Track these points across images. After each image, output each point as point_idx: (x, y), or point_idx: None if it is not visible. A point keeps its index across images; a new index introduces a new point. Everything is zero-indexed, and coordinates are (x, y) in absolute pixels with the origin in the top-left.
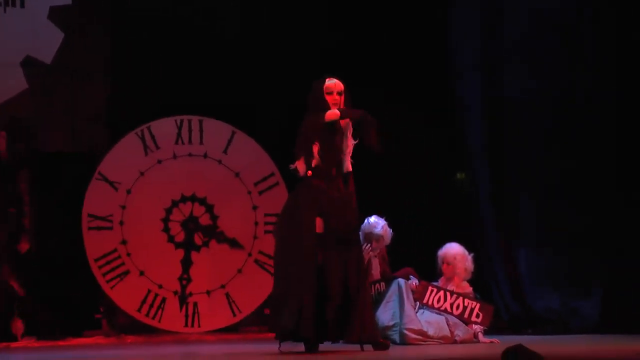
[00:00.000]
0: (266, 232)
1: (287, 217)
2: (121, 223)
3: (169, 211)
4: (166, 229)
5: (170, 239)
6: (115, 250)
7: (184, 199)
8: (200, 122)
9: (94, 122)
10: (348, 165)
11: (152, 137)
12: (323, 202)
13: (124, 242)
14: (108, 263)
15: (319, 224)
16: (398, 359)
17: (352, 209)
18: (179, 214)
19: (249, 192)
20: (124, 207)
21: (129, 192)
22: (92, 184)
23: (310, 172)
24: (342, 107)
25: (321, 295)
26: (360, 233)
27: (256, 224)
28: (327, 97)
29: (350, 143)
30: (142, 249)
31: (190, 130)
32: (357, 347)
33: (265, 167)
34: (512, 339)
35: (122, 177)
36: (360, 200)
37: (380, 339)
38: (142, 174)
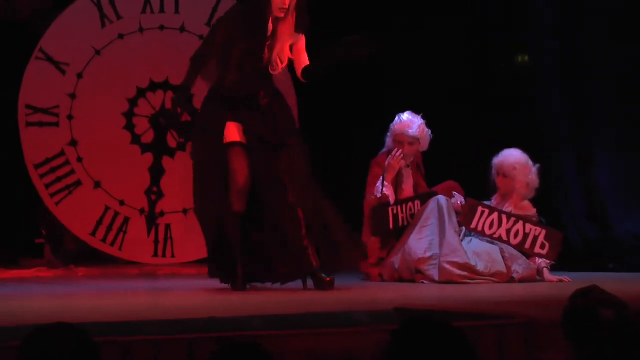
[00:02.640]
0: None
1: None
2: (70, 118)
3: (133, 103)
4: (130, 127)
5: (136, 139)
6: (62, 153)
7: (153, 87)
8: None
9: None
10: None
11: (112, 2)
12: (237, 108)
13: (73, 143)
14: (52, 171)
15: (233, 130)
16: (430, 298)
17: (284, 110)
18: (147, 106)
19: None
20: (73, 97)
21: (80, 76)
22: (30, 65)
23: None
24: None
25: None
26: (387, 135)
27: None
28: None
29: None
30: (97, 153)
31: None
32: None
33: None
34: (587, 276)
35: (72, 57)
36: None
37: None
38: (97, 52)
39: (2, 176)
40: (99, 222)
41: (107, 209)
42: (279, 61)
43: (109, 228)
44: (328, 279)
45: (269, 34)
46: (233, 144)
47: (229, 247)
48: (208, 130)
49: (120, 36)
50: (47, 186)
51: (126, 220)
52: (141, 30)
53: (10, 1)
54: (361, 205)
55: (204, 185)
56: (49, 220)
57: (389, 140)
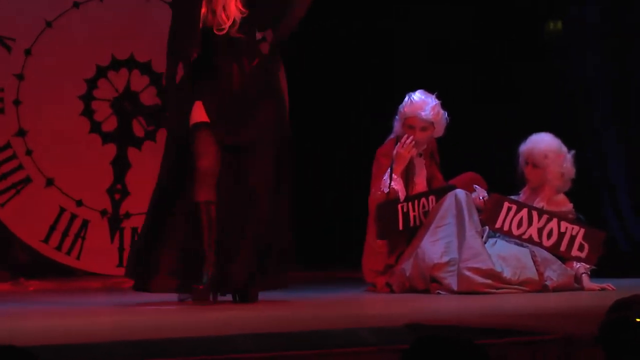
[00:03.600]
0: None
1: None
2: (17, 103)
3: (92, 84)
4: (88, 113)
5: (95, 127)
6: (7, 145)
7: (115, 65)
8: None
9: None
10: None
11: None
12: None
13: (21, 133)
14: None
15: (201, 110)
16: (448, 312)
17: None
18: (109, 88)
19: None
20: (21, 78)
21: (28, 53)
22: None
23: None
24: None
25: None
26: (396, 118)
27: None
28: None
29: None
30: (50, 145)
31: None
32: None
33: None
34: (634, 283)
35: (18, 30)
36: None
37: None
38: (49, 24)
39: None
40: (53, 227)
41: (62, 210)
42: (224, 17)
43: (65, 234)
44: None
45: None
46: (199, 125)
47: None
48: (179, 113)
49: (76, 5)
50: None
51: (85, 223)
52: None
53: None
54: (365, 202)
55: (163, 169)
56: None
57: (397, 125)
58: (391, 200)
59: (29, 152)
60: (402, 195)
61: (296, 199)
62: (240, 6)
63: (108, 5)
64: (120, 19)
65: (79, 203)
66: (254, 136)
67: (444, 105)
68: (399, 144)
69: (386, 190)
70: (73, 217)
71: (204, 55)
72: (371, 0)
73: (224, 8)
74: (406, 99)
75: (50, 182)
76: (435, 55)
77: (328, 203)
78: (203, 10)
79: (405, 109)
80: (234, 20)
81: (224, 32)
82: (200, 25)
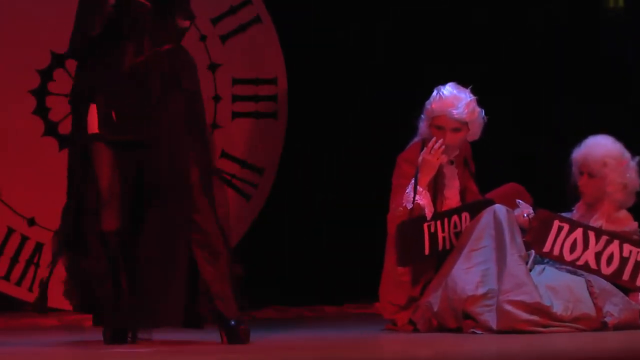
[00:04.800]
0: (237, 115)
1: None
2: None
3: (46, 75)
4: (42, 111)
5: (51, 128)
6: None
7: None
8: None
9: None
10: None
11: None
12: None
13: None
14: None
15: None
16: (486, 355)
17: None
18: (67, 80)
19: (203, 38)
20: None
21: None
22: None
23: None
24: None
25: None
26: (421, 117)
27: (217, 99)
28: None
29: None
30: None
31: None
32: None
33: None
34: None
35: None
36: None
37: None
38: None
39: None
40: None
41: (10, 231)
42: None
43: (14, 259)
44: (243, 328)
45: None
46: (94, 137)
47: (97, 278)
48: (76, 116)
49: None
50: None
51: (39, 247)
52: None
53: None
54: (383, 220)
55: (69, 188)
56: None
57: (423, 126)
58: (415, 218)
59: None
60: (429, 212)
61: (300, 219)
62: None
63: None
64: None
65: (31, 222)
66: (157, 132)
67: (480, 103)
68: (425, 148)
69: (409, 205)
70: (24, 239)
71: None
72: None
73: None
74: (434, 93)
75: None
76: (467, 46)
77: (337, 223)
78: None
79: (433, 106)
80: None
81: None
82: None
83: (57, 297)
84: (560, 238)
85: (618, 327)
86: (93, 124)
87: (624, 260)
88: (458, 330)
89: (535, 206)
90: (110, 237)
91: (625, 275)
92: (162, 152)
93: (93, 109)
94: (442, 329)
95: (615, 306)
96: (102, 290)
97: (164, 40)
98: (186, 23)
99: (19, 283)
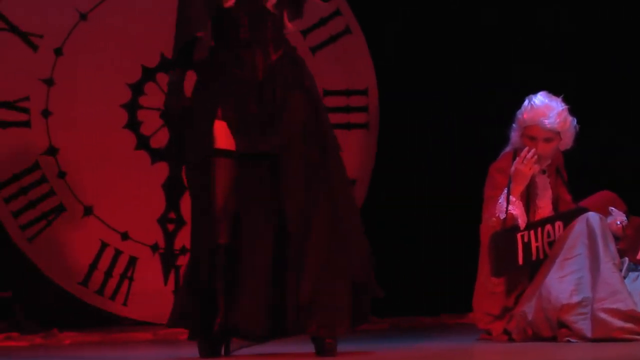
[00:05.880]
0: None
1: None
2: (46, 114)
3: (137, 90)
4: (133, 125)
5: (142, 142)
6: (35, 166)
7: (166, 66)
8: None
9: None
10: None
11: None
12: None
13: (52, 152)
14: (23, 192)
15: (222, 131)
16: None
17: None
18: (158, 94)
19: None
20: (50, 83)
21: (59, 53)
22: None
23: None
24: None
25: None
26: (513, 127)
27: None
28: None
29: None
30: (87, 165)
31: None
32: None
33: None
34: None
35: (46, 25)
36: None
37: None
38: (83, 17)
39: None
40: (93, 266)
41: (103, 245)
42: None
43: (108, 274)
44: (330, 341)
45: None
46: (219, 152)
47: (204, 291)
48: (197, 133)
49: None
50: (15, 215)
51: (132, 261)
52: None
53: None
54: (476, 231)
55: (194, 206)
56: (19, 264)
57: (515, 135)
58: (509, 228)
59: (61, 175)
60: (522, 221)
61: (394, 230)
62: None
63: None
64: (171, 8)
65: (125, 236)
66: (284, 140)
67: (571, 111)
68: (517, 158)
69: (503, 215)
70: (117, 253)
71: (221, 41)
72: None
73: None
74: (526, 103)
75: (88, 211)
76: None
77: (431, 233)
78: None
79: (525, 116)
80: None
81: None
82: None
83: (150, 311)
84: None
85: None
86: (220, 137)
87: None
88: (553, 339)
89: (628, 213)
90: (219, 250)
91: None
92: (291, 161)
93: (219, 123)
94: (536, 338)
95: None
96: (201, 304)
97: (281, 42)
98: (297, 23)
99: (112, 297)
